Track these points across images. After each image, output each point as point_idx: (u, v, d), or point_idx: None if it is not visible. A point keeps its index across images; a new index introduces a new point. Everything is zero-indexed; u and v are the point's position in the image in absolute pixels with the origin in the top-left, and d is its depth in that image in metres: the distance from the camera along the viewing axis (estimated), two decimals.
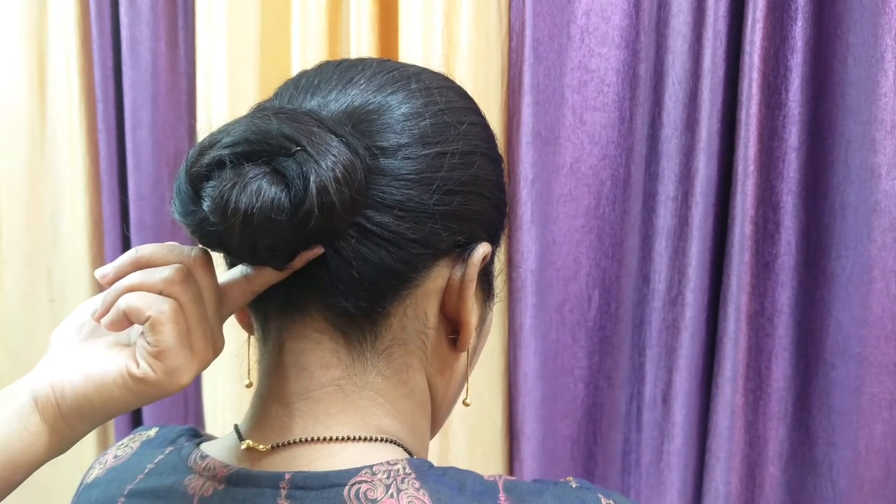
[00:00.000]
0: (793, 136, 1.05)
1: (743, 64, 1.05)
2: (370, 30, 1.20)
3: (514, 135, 1.16)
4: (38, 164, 1.51)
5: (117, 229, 1.45)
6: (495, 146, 0.51)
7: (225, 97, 1.30)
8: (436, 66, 1.14)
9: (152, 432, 0.55)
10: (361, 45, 1.20)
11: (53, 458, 0.49)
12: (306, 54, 1.25)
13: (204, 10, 1.31)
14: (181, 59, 1.42)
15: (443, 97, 0.47)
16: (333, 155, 0.41)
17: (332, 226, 0.42)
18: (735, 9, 1.07)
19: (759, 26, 1.03)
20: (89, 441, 1.52)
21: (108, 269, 0.47)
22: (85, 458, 1.49)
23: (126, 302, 0.45)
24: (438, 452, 1.20)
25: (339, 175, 0.41)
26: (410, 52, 1.17)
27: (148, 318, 0.44)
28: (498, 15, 1.17)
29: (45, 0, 1.47)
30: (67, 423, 0.46)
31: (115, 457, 0.54)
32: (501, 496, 0.44)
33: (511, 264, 1.18)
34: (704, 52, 1.08)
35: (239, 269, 0.47)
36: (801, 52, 1.04)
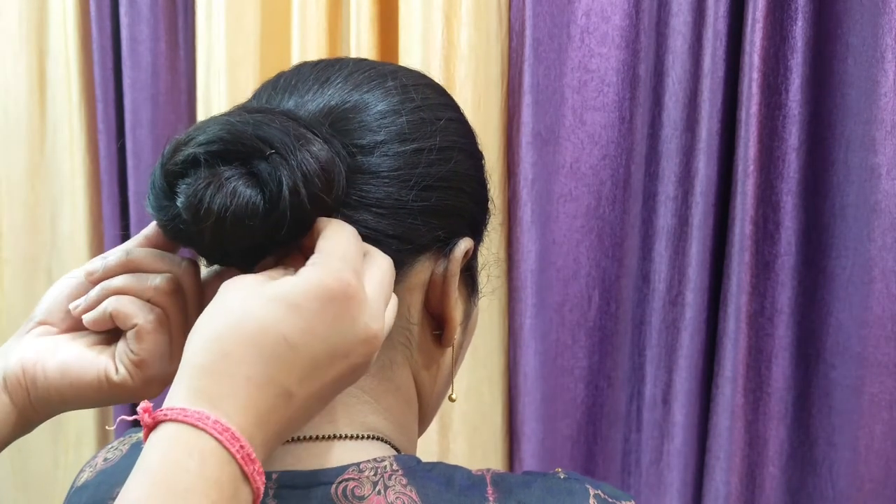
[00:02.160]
0: (793, 136, 1.05)
1: (743, 64, 1.05)
2: (370, 30, 1.20)
3: (514, 135, 1.16)
4: (38, 164, 1.51)
5: (117, 229, 1.45)
6: (475, 142, 0.51)
7: (225, 97, 1.30)
8: (436, 66, 1.14)
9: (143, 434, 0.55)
10: (361, 44, 1.20)
11: (19, 437, 0.48)
12: (306, 54, 1.24)
13: (204, 9, 1.31)
14: (181, 59, 1.42)
15: (419, 94, 0.47)
16: (310, 155, 0.40)
17: (306, 227, 0.41)
18: (735, 9, 1.07)
19: (759, 26, 1.03)
20: (90, 441, 1.52)
21: (96, 267, 0.46)
22: (85, 459, 1.49)
23: (114, 305, 0.45)
24: (438, 452, 1.20)
25: (316, 176, 0.40)
26: (410, 52, 1.17)
27: (134, 326, 0.44)
28: (498, 15, 1.17)
29: (45, 0, 1.47)
30: (35, 408, 0.46)
31: (105, 459, 0.53)
32: (489, 490, 0.44)
33: (511, 264, 1.18)
34: (704, 52, 1.08)
35: (213, 270, 0.47)
36: (801, 52, 1.04)
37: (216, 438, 0.34)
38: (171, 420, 0.34)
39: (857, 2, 1.00)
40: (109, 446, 0.55)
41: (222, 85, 1.30)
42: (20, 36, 1.47)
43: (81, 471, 0.55)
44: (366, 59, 0.50)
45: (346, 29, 1.26)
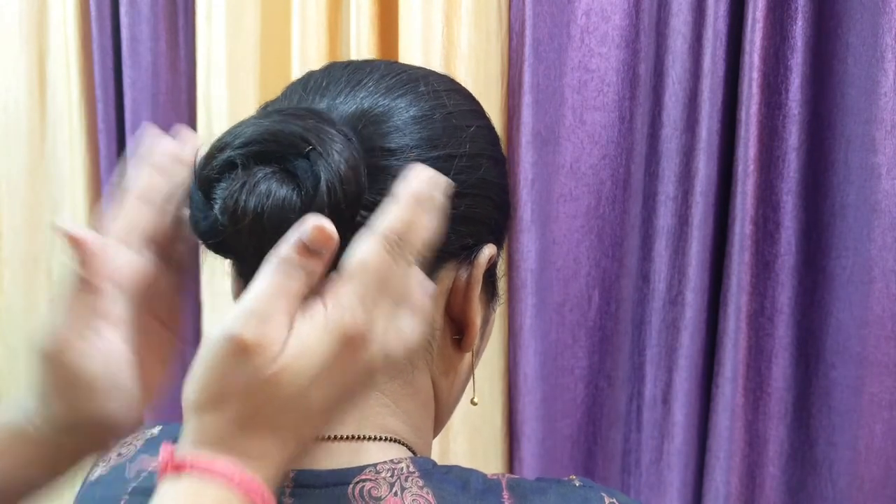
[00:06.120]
0: (793, 135, 1.04)
1: (743, 64, 1.05)
2: (370, 30, 1.20)
3: (514, 135, 1.16)
4: (38, 164, 1.51)
5: None
6: (500, 149, 0.51)
7: (225, 97, 1.30)
8: (436, 66, 1.14)
9: (156, 430, 0.55)
10: (361, 44, 1.20)
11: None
12: (306, 54, 1.24)
13: (204, 10, 1.31)
14: (181, 59, 1.42)
15: (450, 100, 0.47)
16: (344, 155, 0.40)
17: (340, 228, 0.41)
18: (735, 9, 1.07)
19: (759, 26, 1.03)
20: None
21: None
22: None
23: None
24: (439, 452, 1.20)
25: (351, 176, 0.40)
26: (410, 52, 1.17)
27: None
28: (498, 15, 1.17)
29: (45, 0, 1.47)
30: None
31: (119, 454, 0.54)
32: (505, 494, 0.44)
33: (511, 264, 1.18)
34: (704, 52, 1.08)
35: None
36: (801, 52, 1.04)
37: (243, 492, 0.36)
38: (199, 470, 0.36)
39: (857, 2, 1.00)
40: (123, 441, 0.55)
41: (222, 85, 1.30)
42: (20, 36, 1.47)
43: (95, 465, 0.55)
44: (397, 63, 0.50)
45: (346, 29, 1.26)
